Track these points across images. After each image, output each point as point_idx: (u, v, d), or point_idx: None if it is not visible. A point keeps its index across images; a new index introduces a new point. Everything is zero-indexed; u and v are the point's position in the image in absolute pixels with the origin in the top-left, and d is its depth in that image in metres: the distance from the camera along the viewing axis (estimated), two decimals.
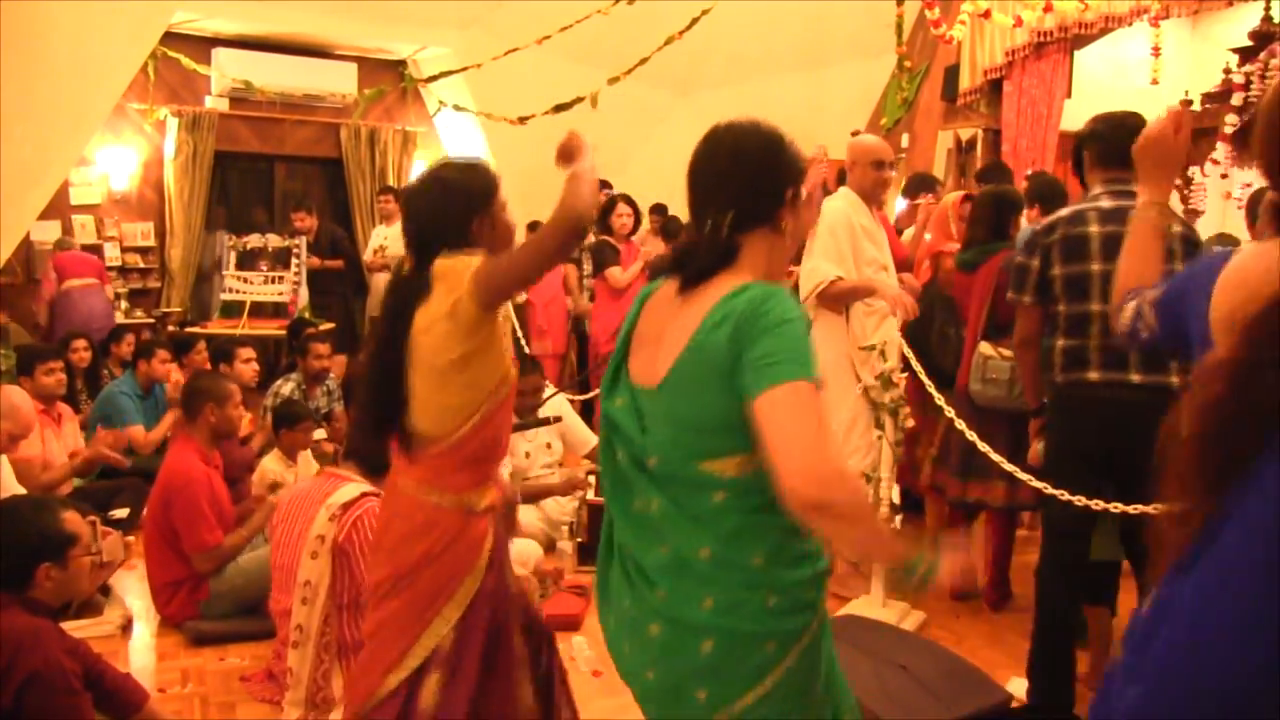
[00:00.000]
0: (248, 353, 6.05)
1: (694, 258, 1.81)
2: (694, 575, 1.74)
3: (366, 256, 8.77)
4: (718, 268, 1.79)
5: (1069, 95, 7.71)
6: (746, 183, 1.80)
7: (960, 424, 3.87)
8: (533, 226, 9.12)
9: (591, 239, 6.93)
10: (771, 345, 1.64)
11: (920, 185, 6.13)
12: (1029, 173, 5.81)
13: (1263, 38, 5.39)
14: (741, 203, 1.79)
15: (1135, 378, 3.04)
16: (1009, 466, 3.60)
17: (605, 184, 7.34)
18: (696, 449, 1.76)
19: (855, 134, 9.62)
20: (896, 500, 4.21)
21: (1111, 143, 3.24)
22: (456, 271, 2.20)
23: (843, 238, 4.21)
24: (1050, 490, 3.20)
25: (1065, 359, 3.16)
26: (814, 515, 1.58)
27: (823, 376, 1.67)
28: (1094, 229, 3.16)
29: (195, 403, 4.25)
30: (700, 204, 1.84)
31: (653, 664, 1.80)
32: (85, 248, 9.14)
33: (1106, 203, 3.18)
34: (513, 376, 2.36)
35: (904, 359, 4.21)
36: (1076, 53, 7.72)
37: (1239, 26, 5.96)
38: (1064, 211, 3.30)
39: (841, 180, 4.66)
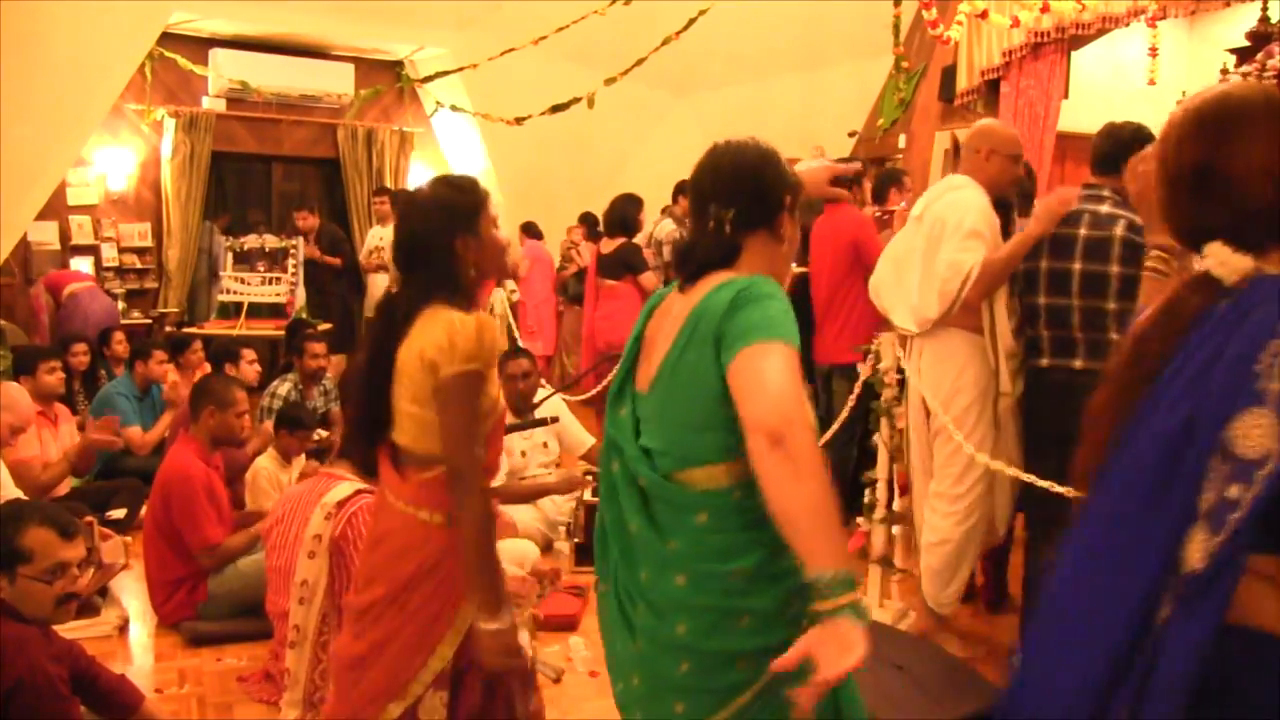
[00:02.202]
0: (251, 354, 6.06)
1: (695, 254, 1.87)
2: (669, 601, 1.78)
3: (361, 257, 8.76)
4: (719, 264, 1.85)
5: (1066, 96, 7.71)
6: (747, 183, 1.88)
7: (950, 426, 3.86)
8: (526, 227, 9.17)
9: (612, 246, 6.61)
10: (747, 317, 1.71)
11: (891, 180, 5.90)
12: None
13: (1260, 38, 5.39)
14: (742, 202, 1.86)
15: (1078, 364, 3.47)
16: (995, 465, 3.58)
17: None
18: (685, 453, 1.79)
19: (853, 134, 9.71)
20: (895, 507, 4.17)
21: (1096, 149, 3.52)
22: (441, 346, 2.15)
23: (984, 228, 3.69)
24: (1023, 476, 3.42)
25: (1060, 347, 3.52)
26: (770, 450, 1.58)
27: (794, 348, 1.69)
28: (1083, 231, 3.44)
29: (197, 404, 4.25)
30: (701, 203, 1.90)
31: (637, 672, 1.87)
32: (82, 248, 9.15)
33: (1075, 205, 3.49)
34: (501, 406, 2.33)
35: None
36: (1074, 53, 7.72)
37: (1236, 27, 5.97)
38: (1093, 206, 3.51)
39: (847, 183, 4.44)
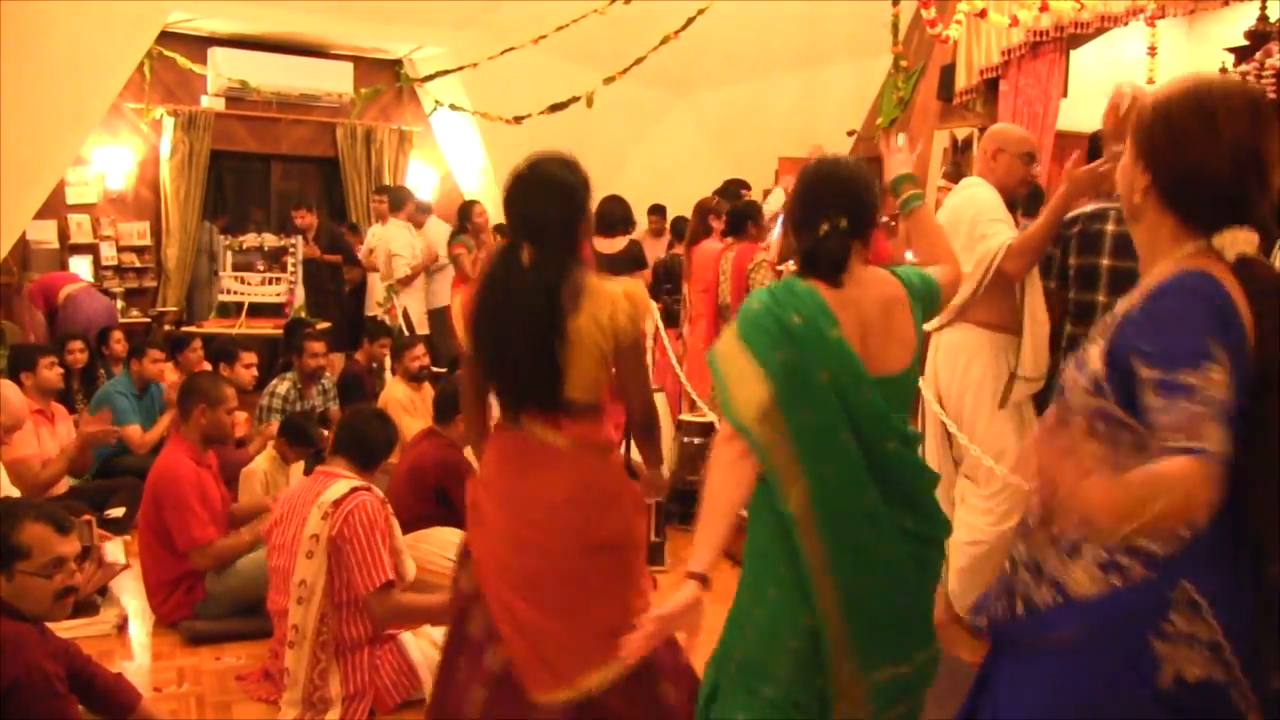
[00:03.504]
0: (250, 357, 6.05)
1: (819, 257, 2.17)
2: (929, 511, 2.27)
3: (361, 254, 8.69)
4: (841, 265, 2.17)
5: (1065, 95, 7.70)
6: (861, 195, 2.21)
7: (951, 425, 3.86)
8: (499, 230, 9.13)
9: (618, 245, 6.82)
10: (927, 275, 2.37)
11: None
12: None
13: (1258, 37, 5.38)
14: (856, 211, 2.18)
15: None
16: (998, 468, 3.59)
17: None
18: (905, 429, 2.23)
19: (851, 133, 9.71)
20: None
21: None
22: (630, 314, 2.52)
23: (999, 214, 3.70)
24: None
25: (1070, 345, 3.37)
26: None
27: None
28: (1110, 227, 3.41)
29: (188, 402, 4.23)
30: (816, 211, 2.19)
31: (913, 578, 2.25)
32: (80, 247, 9.15)
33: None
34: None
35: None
36: (1072, 52, 7.72)
37: (1235, 26, 5.96)
38: (1088, 207, 3.47)
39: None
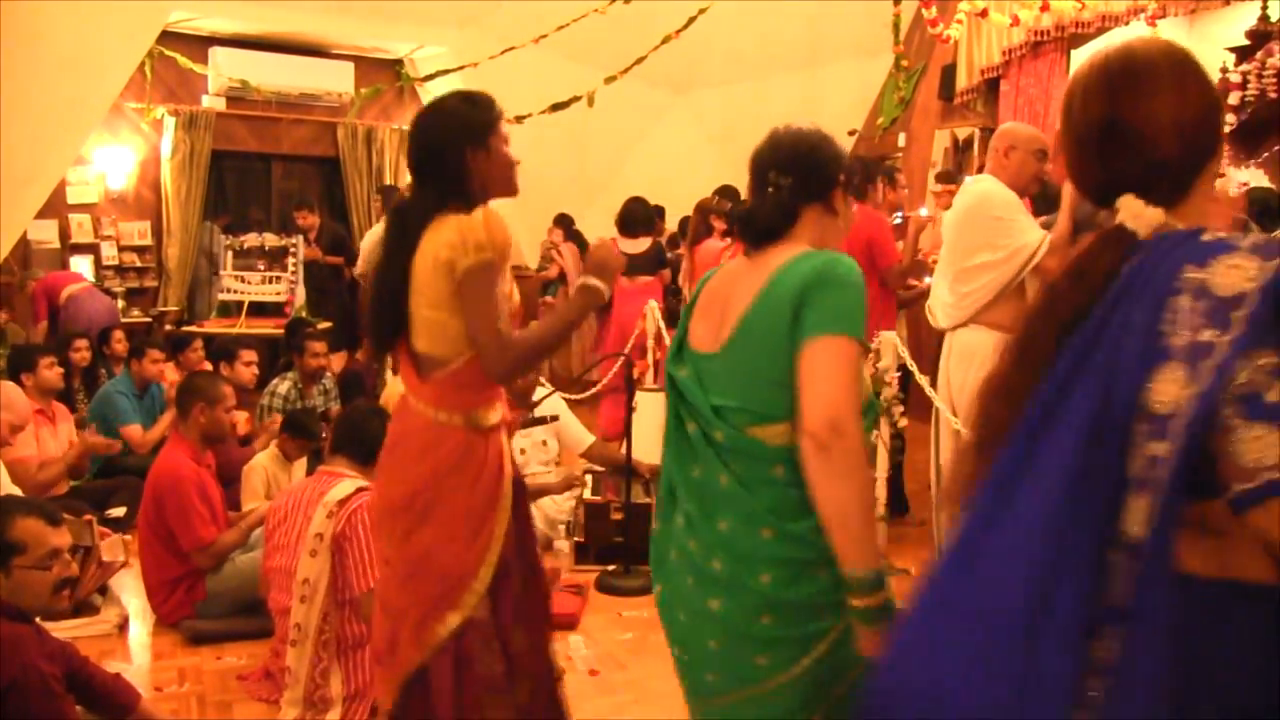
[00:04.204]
0: (250, 355, 6.04)
1: (757, 219, 1.97)
2: (754, 552, 1.85)
3: (358, 268, 8.68)
4: (780, 229, 1.96)
5: None
6: (805, 156, 1.98)
7: (956, 423, 3.87)
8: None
9: (641, 245, 6.91)
10: (831, 300, 1.81)
11: (882, 174, 5.95)
12: None
13: (1259, 36, 5.38)
14: (800, 172, 1.96)
15: None
16: None
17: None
18: (755, 410, 1.86)
19: (853, 133, 9.72)
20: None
21: None
22: (453, 243, 2.24)
23: (1015, 211, 3.74)
24: None
25: None
26: (816, 453, 1.73)
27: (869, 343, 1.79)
28: None
29: (186, 402, 4.23)
30: (760, 172, 2.00)
31: (712, 635, 1.90)
32: (81, 247, 9.15)
33: None
34: (515, 301, 2.44)
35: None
36: (1073, 52, 7.72)
37: (1236, 25, 5.95)
38: None
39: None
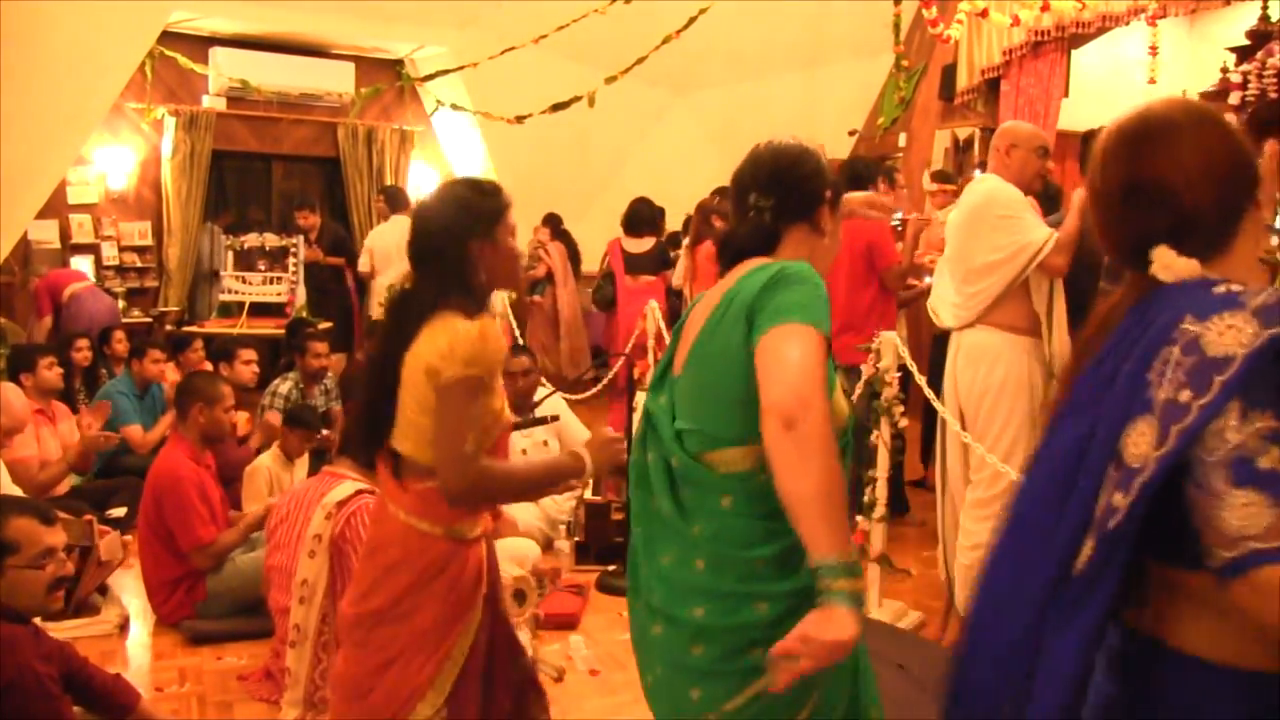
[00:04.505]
0: (249, 354, 6.05)
1: (734, 241, 1.92)
2: (688, 585, 1.80)
3: (361, 264, 8.68)
4: (759, 252, 1.88)
5: (1066, 95, 7.70)
6: (786, 175, 1.92)
7: (954, 424, 3.87)
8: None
9: (644, 245, 6.92)
10: (781, 298, 1.72)
11: (881, 173, 5.95)
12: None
13: (1260, 36, 5.39)
14: (781, 192, 1.90)
15: None
16: (1003, 467, 3.60)
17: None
18: (714, 433, 1.80)
19: (853, 133, 9.71)
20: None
21: None
22: (442, 352, 2.13)
23: (1022, 209, 3.74)
24: None
25: None
26: (782, 432, 1.59)
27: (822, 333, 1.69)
28: None
29: (185, 402, 4.24)
30: (742, 194, 1.94)
31: (656, 662, 1.87)
32: (82, 247, 9.14)
33: None
34: (506, 419, 2.31)
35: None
36: (1074, 52, 7.72)
37: (1236, 25, 5.96)
38: None
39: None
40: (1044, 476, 1.39)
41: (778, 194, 1.90)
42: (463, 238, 2.23)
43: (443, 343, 2.12)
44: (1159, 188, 1.40)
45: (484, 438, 2.19)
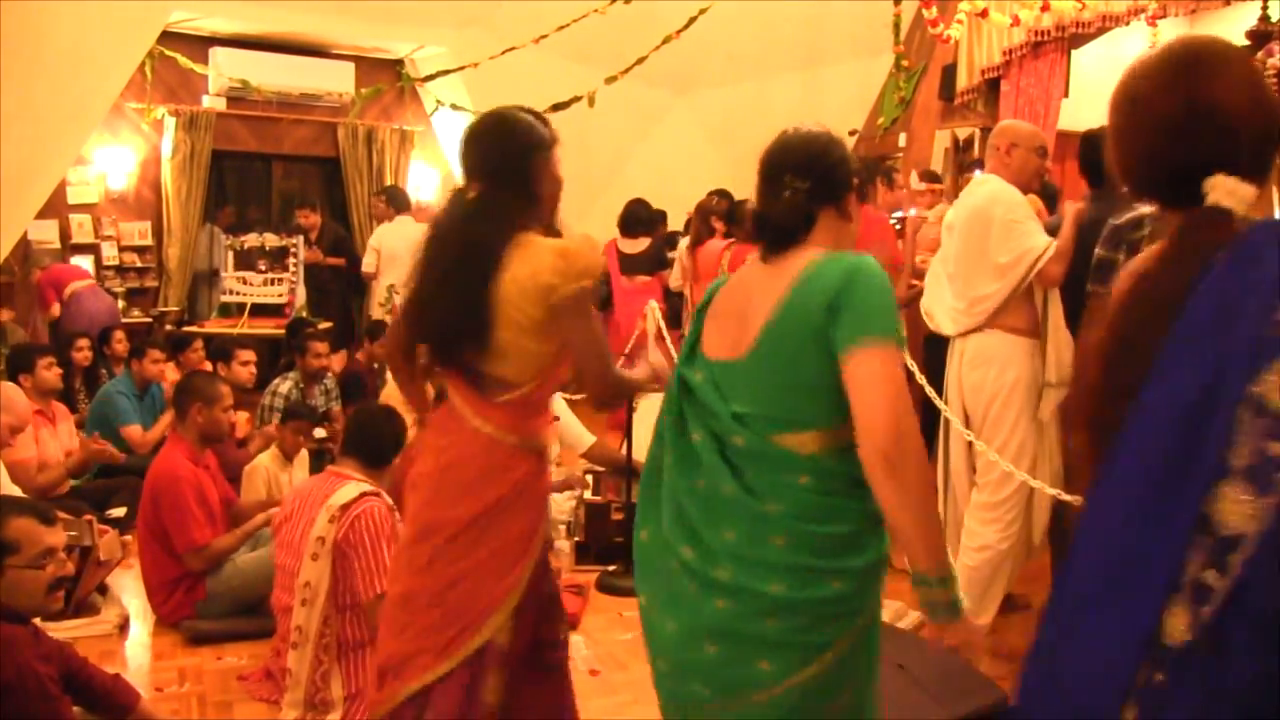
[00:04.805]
0: (247, 355, 6.04)
1: (773, 221, 1.96)
2: (765, 560, 1.82)
3: (365, 265, 8.64)
4: (797, 233, 1.94)
5: (1066, 95, 7.70)
6: (819, 159, 1.97)
7: (957, 424, 3.87)
8: None
9: (640, 245, 6.94)
10: (866, 303, 1.79)
11: (880, 174, 6.00)
12: None
13: (1260, 37, 5.38)
14: (817, 176, 1.95)
15: None
16: (1006, 465, 3.61)
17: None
18: (782, 418, 1.85)
19: (853, 133, 9.71)
20: None
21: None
22: (557, 268, 2.19)
23: (1031, 214, 3.76)
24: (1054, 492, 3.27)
25: None
26: (883, 468, 1.72)
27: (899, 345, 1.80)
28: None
29: (184, 402, 4.23)
30: (775, 174, 1.98)
31: (715, 640, 1.86)
32: (82, 247, 9.15)
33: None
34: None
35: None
36: (1074, 52, 7.72)
37: (1236, 26, 5.95)
38: (1146, 209, 3.33)
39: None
40: (1156, 432, 1.27)
41: (813, 177, 1.94)
42: (529, 154, 2.32)
43: (555, 260, 2.19)
44: (1219, 112, 1.39)
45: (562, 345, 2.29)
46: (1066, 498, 3.38)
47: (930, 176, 7.13)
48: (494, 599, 2.27)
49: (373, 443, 3.57)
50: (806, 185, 1.94)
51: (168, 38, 8.93)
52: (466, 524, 2.27)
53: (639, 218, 7.01)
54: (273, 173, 10.46)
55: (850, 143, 9.60)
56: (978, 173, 4.39)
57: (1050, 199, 4.49)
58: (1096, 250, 3.47)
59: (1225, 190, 1.35)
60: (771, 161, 2.00)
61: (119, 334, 6.92)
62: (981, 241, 3.71)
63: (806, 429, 1.84)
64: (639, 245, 6.96)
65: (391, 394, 5.78)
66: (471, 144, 2.40)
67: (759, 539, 1.83)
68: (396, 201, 8.34)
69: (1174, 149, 1.42)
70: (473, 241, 2.27)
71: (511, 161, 2.31)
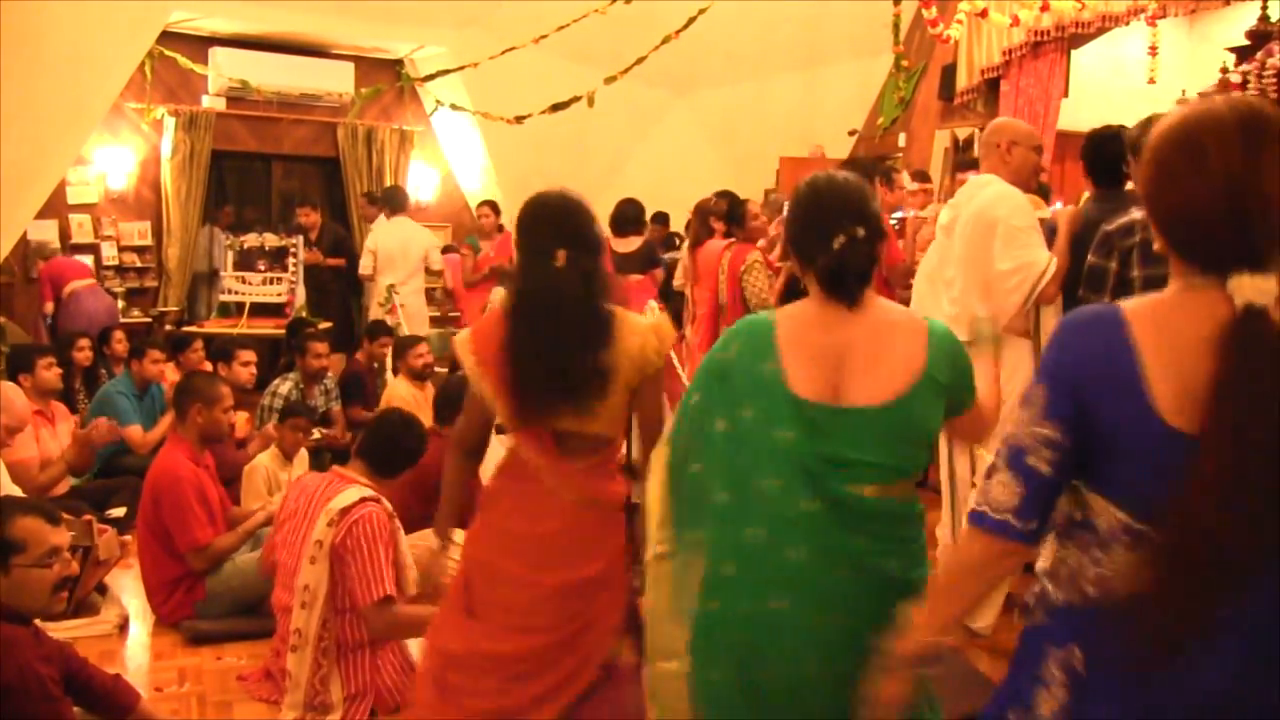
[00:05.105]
0: (247, 355, 6.04)
1: (852, 269, 2.01)
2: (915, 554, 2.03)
3: (362, 267, 8.64)
4: (868, 276, 2.05)
5: (1066, 95, 7.71)
6: (868, 207, 2.07)
7: (978, 448, 3.86)
8: None
9: (632, 244, 6.97)
10: (969, 372, 2.08)
11: (880, 174, 6.00)
12: None
13: (1260, 37, 5.38)
14: (869, 223, 2.04)
15: None
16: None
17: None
18: (906, 466, 2.02)
19: (853, 133, 9.71)
20: None
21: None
22: (657, 348, 2.50)
23: (1035, 221, 3.74)
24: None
25: None
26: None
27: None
28: None
29: (183, 402, 4.23)
30: (833, 224, 2.02)
31: (875, 633, 1.89)
32: (82, 247, 9.15)
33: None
34: None
35: None
36: (1073, 52, 7.73)
37: (1236, 26, 5.96)
38: (1140, 214, 3.29)
39: None
40: None
41: (867, 224, 2.03)
42: (600, 239, 2.60)
43: (653, 339, 2.50)
44: (1267, 195, 1.37)
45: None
46: None
47: (921, 176, 7.14)
48: (614, 630, 2.56)
49: (387, 452, 3.56)
50: (864, 232, 2.02)
51: (167, 38, 8.94)
52: (603, 574, 2.56)
53: (629, 217, 7.06)
54: (272, 173, 10.46)
55: (850, 143, 9.63)
56: (972, 175, 4.36)
57: (1043, 198, 4.49)
58: (1089, 257, 3.45)
59: (1256, 289, 1.36)
60: (825, 209, 2.07)
61: (119, 334, 6.91)
62: (985, 243, 3.68)
63: (909, 477, 2.03)
64: (631, 245, 6.98)
65: (394, 394, 5.79)
66: (557, 214, 2.56)
67: (901, 539, 2.04)
68: (390, 202, 8.30)
69: (1223, 229, 1.40)
70: (578, 290, 2.47)
71: (595, 239, 2.57)
